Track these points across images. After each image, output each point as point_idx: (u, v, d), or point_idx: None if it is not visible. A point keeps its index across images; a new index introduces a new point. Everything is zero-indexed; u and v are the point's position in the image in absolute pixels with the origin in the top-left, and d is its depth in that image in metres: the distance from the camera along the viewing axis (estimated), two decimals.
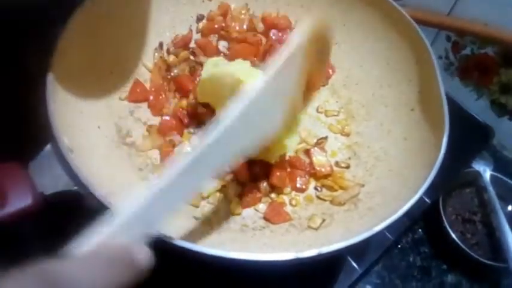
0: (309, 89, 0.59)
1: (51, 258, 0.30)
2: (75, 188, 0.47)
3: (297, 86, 0.53)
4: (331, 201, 0.61)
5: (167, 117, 0.66)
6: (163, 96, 0.68)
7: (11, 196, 0.45)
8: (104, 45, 0.63)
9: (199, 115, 0.67)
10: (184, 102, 0.68)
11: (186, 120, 0.67)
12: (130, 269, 0.33)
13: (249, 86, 0.45)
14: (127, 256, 0.33)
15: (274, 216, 0.59)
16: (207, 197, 0.61)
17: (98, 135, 0.58)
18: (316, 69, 0.57)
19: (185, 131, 0.67)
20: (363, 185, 0.61)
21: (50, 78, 0.51)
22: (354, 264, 0.66)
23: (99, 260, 0.32)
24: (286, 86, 0.49)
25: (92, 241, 0.33)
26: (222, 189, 0.62)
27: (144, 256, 0.34)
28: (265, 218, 0.60)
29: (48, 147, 0.48)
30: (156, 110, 0.67)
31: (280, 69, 0.46)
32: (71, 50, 0.56)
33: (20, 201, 0.45)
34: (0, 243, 0.46)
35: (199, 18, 0.76)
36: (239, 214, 0.60)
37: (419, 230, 0.76)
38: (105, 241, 0.34)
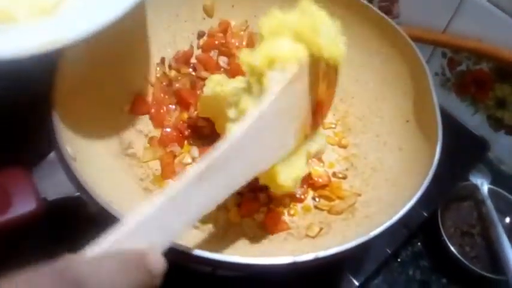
0: (316, 113, 0.57)
1: (67, 257, 0.28)
2: (77, 194, 0.48)
3: (304, 108, 0.52)
4: (329, 211, 0.62)
5: (168, 129, 0.68)
6: (165, 109, 0.70)
7: (15, 201, 0.46)
8: (105, 71, 0.63)
9: (200, 128, 0.68)
10: (185, 115, 0.69)
11: (186, 133, 0.68)
12: (145, 275, 0.31)
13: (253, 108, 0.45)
14: (141, 262, 0.31)
15: (273, 225, 0.60)
16: None
17: (99, 146, 0.60)
18: (323, 93, 0.57)
19: (185, 142, 0.69)
20: (359, 195, 0.62)
21: (54, 96, 0.52)
22: (352, 279, 0.66)
23: (115, 264, 0.30)
24: (293, 107, 0.49)
25: (104, 245, 0.32)
26: None
27: (159, 264, 0.32)
28: (264, 227, 0.60)
29: (52, 154, 0.49)
30: (158, 122, 0.69)
31: (285, 89, 0.46)
32: (72, 74, 0.56)
33: (23, 206, 0.46)
34: (3, 247, 0.47)
35: (200, 35, 0.78)
36: (238, 223, 0.61)
37: (419, 243, 0.76)
38: (117, 246, 0.32)
